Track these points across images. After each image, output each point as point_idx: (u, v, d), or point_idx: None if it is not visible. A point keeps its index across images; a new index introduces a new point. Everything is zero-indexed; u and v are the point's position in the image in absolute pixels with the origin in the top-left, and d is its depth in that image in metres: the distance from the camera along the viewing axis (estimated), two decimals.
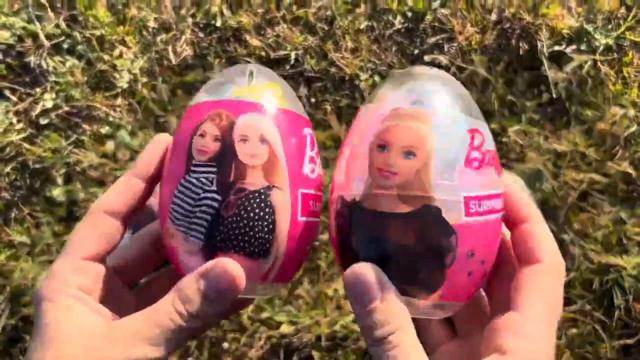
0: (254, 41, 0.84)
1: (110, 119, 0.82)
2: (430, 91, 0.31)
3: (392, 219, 0.28)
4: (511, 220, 0.32)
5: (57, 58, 0.84)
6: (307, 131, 0.35)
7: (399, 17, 0.83)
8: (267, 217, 0.31)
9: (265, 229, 0.32)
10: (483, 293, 0.34)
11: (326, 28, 0.84)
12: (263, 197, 0.31)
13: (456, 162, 0.29)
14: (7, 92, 0.83)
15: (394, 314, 0.27)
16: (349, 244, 0.30)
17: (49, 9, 0.85)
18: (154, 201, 0.67)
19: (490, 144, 0.31)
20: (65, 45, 0.84)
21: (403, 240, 0.28)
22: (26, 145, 0.81)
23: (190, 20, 0.86)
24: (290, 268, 0.35)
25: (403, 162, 0.29)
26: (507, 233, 0.34)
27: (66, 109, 0.82)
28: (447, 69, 0.80)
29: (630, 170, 0.73)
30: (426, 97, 0.30)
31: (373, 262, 0.29)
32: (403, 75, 0.32)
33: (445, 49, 0.81)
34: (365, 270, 0.28)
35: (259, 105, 0.33)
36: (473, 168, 0.29)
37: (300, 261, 0.36)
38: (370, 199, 0.29)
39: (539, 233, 0.31)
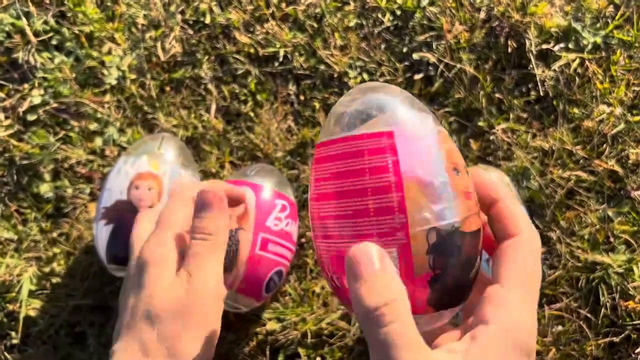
0: (243, 38, 0.84)
1: (99, 115, 0.82)
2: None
3: (476, 236, 0.30)
4: (485, 203, 0.33)
5: (46, 54, 0.83)
6: (280, 202, 0.59)
7: (388, 15, 0.83)
8: (233, 245, 0.51)
9: (232, 253, 0.51)
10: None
11: (315, 25, 0.84)
12: (234, 233, 0.53)
13: None
14: None
15: (392, 287, 0.27)
16: (453, 271, 0.29)
17: (30, 5, 0.84)
18: (134, 196, 0.66)
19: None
20: (53, 42, 0.84)
21: (475, 253, 0.30)
22: (13, 141, 0.80)
23: (179, 17, 0.86)
24: (250, 285, 0.56)
25: (470, 179, 0.31)
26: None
27: (54, 105, 0.82)
28: (435, 67, 0.80)
29: (617, 168, 0.73)
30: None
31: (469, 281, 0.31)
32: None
33: (434, 47, 0.81)
34: (368, 246, 0.28)
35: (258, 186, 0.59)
36: None
37: (259, 282, 0.57)
38: (467, 223, 0.29)
39: (512, 209, 0.32)
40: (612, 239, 0.71)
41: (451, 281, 0.29)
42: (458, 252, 0.29)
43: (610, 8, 0.80)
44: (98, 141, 0.81)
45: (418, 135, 0.30)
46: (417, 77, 0.81)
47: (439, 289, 0.29)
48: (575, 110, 0.77)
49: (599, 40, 0.79)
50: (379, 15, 0.83)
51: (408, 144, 0.29)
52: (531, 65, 0.79)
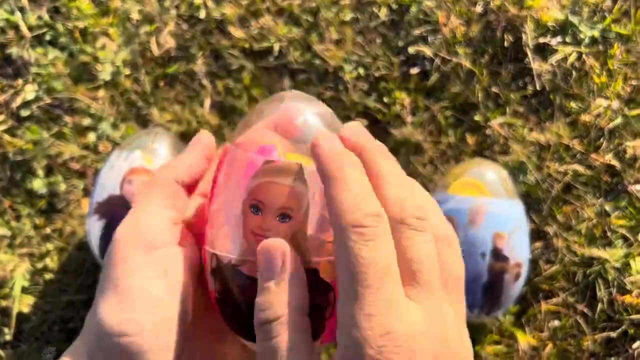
0: (238, 33, 0.83)
1: (92, 111, 0.81)
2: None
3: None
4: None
5: (39, 49, 0.83)
6: None
7: (383, 9, 0.83)
8: None
9: None
10: None
11: (310, 20, 0.83)
12: None
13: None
14: None
15: (282, 301, 0.24)
16: (234, 304, 0.27)
17: (24, 1, 0.84)
18: (127, 191, 0.66)
19: None
20: (47, 37, 0.84)
21: None
22: (7, 137, 0.80)
23: (173, 12, 0.85)
24: None
25: (279, 226, 0.26)
26: None
27: (48, 100, 0.81)
28: (431, 61, 0.80)
29: (614, 162, 0.73)
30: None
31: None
32: (272, 108, 0.28)
33: (430, 41, 0.81)
34: (276, 247, 0.25)
35: None
36: None
37: None
38: (248, 265, 0.26)
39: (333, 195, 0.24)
40: (609, 234, 0.71)
41: (232, 313, 0.27)
42: (234, 287, 0.27)
43: (608, 1, 0.80)
44: (91, 136, 0.81)
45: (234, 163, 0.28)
46: (413, 71, 0.80)
47: (225, 314, 0.28)
48: (572, 104, 0.76)
49: (596, 33, 0.78)
50: (375, 9, 0.83)
51: (227, 169, 0.28)
52: (528, 59, 0.78)
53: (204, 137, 0.30)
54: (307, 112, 0.28)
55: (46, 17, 0.84)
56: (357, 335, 0.21)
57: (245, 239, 0.26)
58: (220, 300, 0.28)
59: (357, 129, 0.27)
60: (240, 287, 0.27)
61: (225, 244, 0.27)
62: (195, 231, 0.30)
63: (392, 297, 0.21)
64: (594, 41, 0.78)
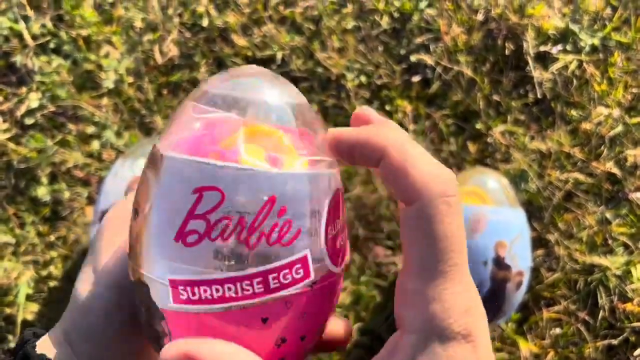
0: (241, 41, 0.84)
1: (96, 119, 0.82)
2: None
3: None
4: (368, 162, 0.24)
5: (43, 58, 0.83)
6: None
7: (385, 18, 0.83)
8: None
9: None
10: None
11: (313, 28, 0.84)
12: None
13: (168, 233, 0.22)
14: None
15: None
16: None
17: (27, 8, 0.84)
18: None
19: (254, 204, 0.22)
20: (51, 45, 0.84)
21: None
22: (11, 145, 0.80)
23: (176, 20, 0.86)
24: None
25: (131, 222, 0.23)
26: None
27: (52, 108, 0.82)
28: (433, 69, 0.80)
29: (615, 170, 0.73)
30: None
31: None
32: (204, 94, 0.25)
33: (432, 49, 0.81)
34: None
35: None
36: (188, 243, 0.21)
37: None
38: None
39: (399, 164, 0.22)
40: (610, 241, 0.71)
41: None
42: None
43: (608, 10, 0.80)
44: (95, 144, 0.81)
45: None
46: (415, 79, 0.81)
47: None
48: (573, 112, 0.77)
49: (596, 42, 0.79)
50: (377, 18, 0.83)
51: None
52: (529, 68, 0.78)
53: None
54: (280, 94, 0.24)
55: (50, 25, 0.85)
56: (439, 312, 0.21)
57: None
58: None
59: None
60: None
61: None
62: None
63: (467, 273, 0.22)
64: (594, 49, 0.79)
